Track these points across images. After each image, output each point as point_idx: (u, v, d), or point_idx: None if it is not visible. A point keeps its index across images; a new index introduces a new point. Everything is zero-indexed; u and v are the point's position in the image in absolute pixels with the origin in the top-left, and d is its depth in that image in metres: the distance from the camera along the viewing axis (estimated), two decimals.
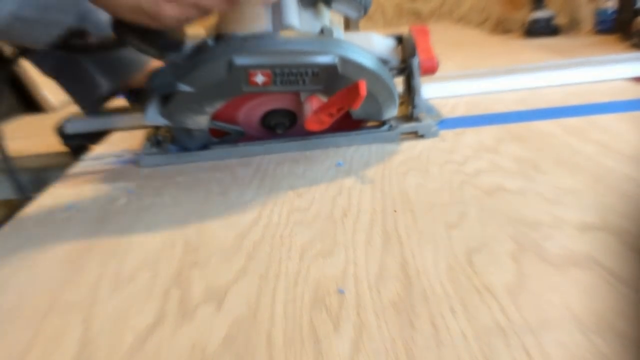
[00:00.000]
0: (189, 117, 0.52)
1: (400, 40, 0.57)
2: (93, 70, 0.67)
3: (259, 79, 0.48)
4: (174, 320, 0.29)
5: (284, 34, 0.49)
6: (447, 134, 0.56)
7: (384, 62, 0.53)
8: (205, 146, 0.56)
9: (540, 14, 1.30)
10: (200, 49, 0.49)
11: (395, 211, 0.40)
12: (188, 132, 0.54)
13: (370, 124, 0.58)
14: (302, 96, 0.52)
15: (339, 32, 0.53)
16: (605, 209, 0.36)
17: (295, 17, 0.49)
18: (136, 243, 0.39)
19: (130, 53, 0.69)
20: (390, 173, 0.47)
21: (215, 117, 0.53)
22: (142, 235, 0.40)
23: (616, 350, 0.24)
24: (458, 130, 0.57)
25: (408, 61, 0.56)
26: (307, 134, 0.56)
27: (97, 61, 0.67)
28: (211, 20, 0.53)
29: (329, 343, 0.26)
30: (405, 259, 0.33)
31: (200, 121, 0.53)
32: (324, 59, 0.48)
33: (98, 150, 0.65)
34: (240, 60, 0.47)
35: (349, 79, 0.48)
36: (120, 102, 0.77)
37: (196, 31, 0.52)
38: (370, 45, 0.54)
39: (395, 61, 0.56)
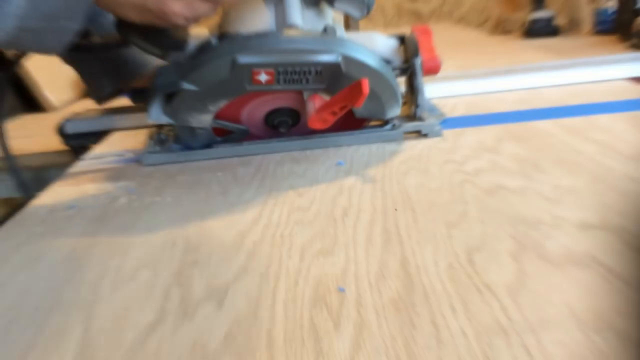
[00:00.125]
0: (193, 116, 0.52)
1: (402, 40, 0.57)
2: (100, 70, 0.67)
3: (263, 77, 0.48)
4: (175, 318, 0.29)
5: (288, 32, 0.49)
6: (447, 133, 0.56)
7: (386, 61, 0.53)
8: (208, 145, 0.56)
9: (540, 15, 1.30)
10: (204, 48, 0.49)
11: (395, 210, 0.40)
12: (191, 130, 0.54)
13: (372, 123, 0.58)
14: (305, 95, 0.52)
15: (342, 31, 0.53)
16: (605, 208, 0.37)
17: (299, 16, 0.50)
18: (137, 242, 0.39)
19: (134, 56, 0.69)
20: (390, 172, 0.47)
21: (218, 116, 0.54)
22: (142, 234, 0.40)
23: (616, 349, 0.24)
24: (458, 130, 0.57)
25: (411, 61, 0.56)
26: (310, 133, 0.56)
27: (101, 63, 0.67)
28: (214, 20, 0.53)
29: (329, 341, 0.26)
30: (406, 257, 0.33)
31: (204, 120, 0.53)
32: (327, 58, 0.48)
33: (98, 149, 0.65)
34: (244, 59, 0.47)
35: (352, 78, 0.48)
36: (120, 102, 0.77)
37: (199, 31, 0.52)
38: (373, 45, 0.55)
39: (397, 61, 0.56)
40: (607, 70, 0.73)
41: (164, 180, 0.51)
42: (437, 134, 0.56)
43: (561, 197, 0.39)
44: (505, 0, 1.65)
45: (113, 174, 0.55)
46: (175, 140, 0.57)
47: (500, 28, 1.62)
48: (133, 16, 0.46)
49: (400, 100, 0.54)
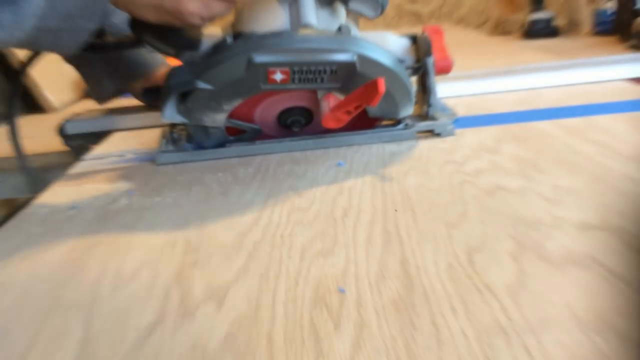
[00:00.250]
0: (207, 115, 0.52)
1: (414, 39, 0.57)
2: (101, 71, 0.68)
3: (278, 76, 0.48)
4: (175, 319, 0.29)
5: (303, 32, 0.49)
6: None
7: (399, 61, 0.53)
8: (221, 144, 0.56)
9: (539, 15, 1.30)
10: (219, 47, 0.49)
11: (395, 211, 0.40)
12: (205, 130, 0.54)
13: (383, 122, 0.58)
14: (319, 94, 0.52)
15: (356, 30, 0.53)
16: (605, 209, 0.37)
17: (313, 15, 0.50)
18: (137, 242, 0.39)
19: (136, 56, 0.69)
20: (390, 173, 0.47)
21: (232, 115, 0.54)
22: (142, 234, 0.40)
23: (617, 349, 0.24)
24: (458, 130, 0.57)
25: (423, 60, 0.56)
26: (322, 132, 0.56)
27: (104, 63, 0.67)
28: (227, 20, 0.53)
29: (329, 342, 0.26)
30: (406, 258, 0.33)
31: (218, 119, 0.53)
32: (342, 57, 0.48)
33: (99, 150, 0.65)
34: (260, 58, 0.47)
35: (367, 77, 0.48)
36: (120, 102, 0.77)
37: (212, 30, 0.52)
38: (385, 45, 0.54)
39: (410, 60, 0.56)
40: (606, 71, 0.73)
41: (164, 180, 0.51)
42: (450, 133, 0.56)
43: (561, 197, 0.39)
44: (505, 1, 1.65)
45: (113, 175, 0.55)
46: (187, 140, 0.57)
47: (500, 29, 1.62)
48: (149, 16, 0.46)
49: (414, 100, 0.54)
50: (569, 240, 0.33)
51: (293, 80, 0.49)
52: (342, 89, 0.51)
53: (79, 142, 0.73)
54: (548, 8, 1.34)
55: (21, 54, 1.03)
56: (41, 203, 0.49)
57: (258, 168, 0.52)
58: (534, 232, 0.34)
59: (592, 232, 0.34)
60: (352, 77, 0.49)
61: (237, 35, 0.49)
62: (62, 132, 0.72)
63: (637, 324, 0.25)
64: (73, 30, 0.43)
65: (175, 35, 0.50)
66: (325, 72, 0.49)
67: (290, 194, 0.45)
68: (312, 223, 0.39)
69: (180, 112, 0.52)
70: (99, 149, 0.65)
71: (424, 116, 0.58)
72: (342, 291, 0.30)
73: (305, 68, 0.48)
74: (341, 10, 0.53)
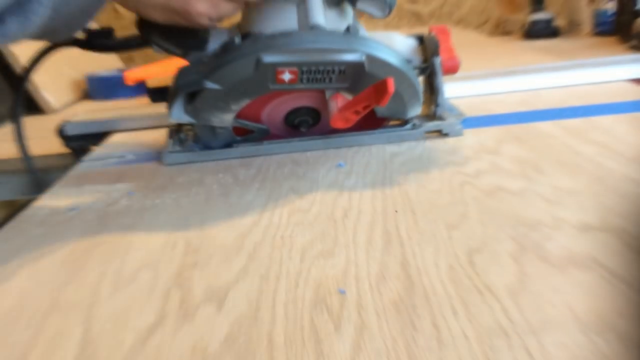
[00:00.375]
0: (215, 115, 0.52)
1: (421, 40, 0.57)
2: None
3: (286, 76, 0.48)
4: (175, 320, 0.29)
5: (312, 32, 0.49)
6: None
7: (407, 61, 0.53)
8: (228, 144, 0.56)
9: (539, 16, 1.30)
10: (228, 47, 0.49)
11: (396, 212, 0.40)
12: (212, 130, 0.54)
13: (390, 123, 0.58)
14: (327, 94, 0.52)
15: (364, 30, 0.53)
16: (606, 210, 0.36)
17: (322, 16, 0.50)
18: (137, 243, 0.39)
19: None
20: (391, 174, 0.47)
21: (239, 116, 0.54)
22: (143, 235, 0.40)
23: (618, 350, 0.24)
24: None
25: (430, 60, 0.56)
26: (329, 132, 0.56)
27: None
28: (234, 20, 0.53)
29: (330, 343, 0.26)
30: (406, 259, 0.33)
31: (226, 119, 0.53)
32: (351, 57, 0.48)
33: (99, 151, 0.65)
34: (269, 58, 0.47)
35: (375, 77, 0.48)
36: (120, 103, 0.77)
37: (219, 30, 0.52)
38: (392, 45, 0.54)
39: (417, 61, 0.56)
40: (607, 72, 0.73)
41: (164, 182, 0.51)
42: (458, 133, 0.56)
43: (561, 198, 0.39)
44: (505, 1, 1.65)
45: (113, 176, 0.55)
46: (194, 140, 0.57)
47: (500, 29, 1.62)
48: (157, 16, 0.46)
49: (421, 100, 0.54)
50: (569, 241, 0.33)
51: (301, 81, 0.49)
52: (350, 89, 0.51)
53: (79, 143, 0.73)
54: (548, 8, 1.34)
55: (24, 59, 1.03)
56: (41, 204, 0.49)
57: (258, 169, 0.52)
58: (535, 233, 0.34)
59: (593, 233, 0.34)
60: (361, 77, 0.49)
61: (245, 35, 0.49)
62: (61, 133, 0.72)
63: (637, 324, 0.25)
64: (71, 26, 0.43)
65: (182, 35, 0.50)
66: (333, 72, 0.49)
67: (291, 195, 0.45)
68: (312, 224, 0.39)
69: (188, 112, 0.52)
70: (99, 150, 0.65)
71: (431, 116, 0.58)
72: (342, 292, 0.30)
73: (313, 68, 0.48)
74: (349, 10, 0.53)
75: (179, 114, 0.52)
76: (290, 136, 0.57)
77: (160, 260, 0.36)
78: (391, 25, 1.81)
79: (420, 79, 0.57)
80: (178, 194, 0.48)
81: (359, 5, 0.50)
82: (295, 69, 0.48)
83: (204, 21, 0.46)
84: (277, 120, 0.56)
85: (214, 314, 0.29)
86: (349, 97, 0.51)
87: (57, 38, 0.45)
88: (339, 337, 0.26)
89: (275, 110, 0.55)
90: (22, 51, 1.01)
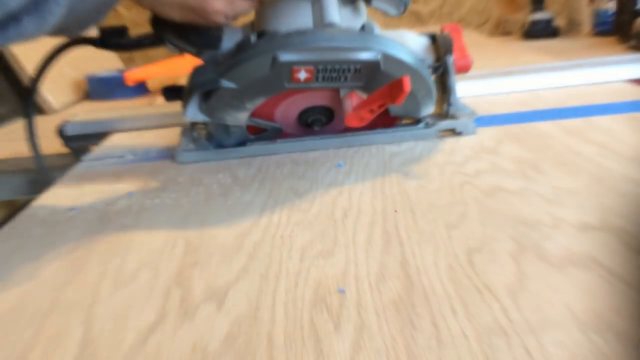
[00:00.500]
0: (230, 114, 0.53)
1: (433, 38, 0.57)
2: None
3: (302, 75, 0.48)
4: (175, 319, 0.29)
5: (328, 30, 0.49)
6: (448, 134, 0.56)
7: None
8: (241, 143, 0.56)
9: (539, 16, 1.31)
10: (244, 45, 0.49)
11: (395, 211, 0.40)
12: (226, 128, 0.55)
13: (401, 122, 0.58)
14: (342, 93, 0.52)
15: (378, 29, 0.53)
16: (605, 209, 0.37)
17: (337, 14, 0.50)
18: (137, 243, 0.39)
19: None
20: (390, 174, 0.47)
21: (253, 114, 0.54)
22: (143, 235, 0.40)
23: (616, 349, 0.24)
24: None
25: (443, 59, 0.56)
26: (342, 131, 0.56)
27: None
28: (248, 19, 0.53)
29: (329, 342, 0.26)
30: (406, 258, 0.33)
31: (240, 118, 0.53)
32: (367, 56, 0.48)
33: (98, 151, 0.65)
34: (285, 57, 0.47)
35: (390, 76, 0.48)
36: (120, 103, 0.77)
37: (232, 29, 0.52)
38: (405, 43, 0.54)
39: (429, 59, 0.56)
40: (606, 72, 0.73)
41: (164, 181, 0.51)
42: (472, 132, 0.56)
43: (561, 198, 0.39)
44: (505, 1, 1.65)
45: (113, 176, 0.55)
46: (207, 139, 0.57)
47: (500, 29, 1.62)
48: (174, 14, 0.46)
49: (435, 99, 0.54)
50: (568, 240, 0.33)
51: (317, 79, 0.49)
52: (365, 88, 0.51)
53: (79, 143, 0.73)
54: (548, 8, 1.34)
55: (24, 59, 1.03)
56: (41, 204, 0.49)
57: (258, 169, 0.52)
58: (534, 233, 0.34)
59: (592, 233, 0.34)
60: (376, 76, 0.49)
61: (261, 34, 0.49)
62: (62, 133, 0.72)
63: (636, 324, 0.25)
64: (83, 25, 0.44)
65: (196, 33, 0.50)
66: (349, 70, 0.49)
67: (290, 195, 0.45)
68: (312, 224, 0.39)
69: (203, 110, 0.52)
70: (99, 150, 0.65)
71: (443, 115, 0.58)
72: (342, 292, 0.30)
73: (329, 67, 0.48)
74: (363, 8, 0.53)
75: (193, 113, 0.52)
76: (303, 135, 0.57)
77: (160, 260, 0.36)
78: (391, 25, 1.81)
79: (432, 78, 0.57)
80: (178, 193, 0.48)
81: (374, 3, 0.50)
82: (311, 67, 0.48)
83: (220, 19, 0.46)
84: (290, 119, 0.56)
85: (214, 313, 0.29)
86: (363, 95, 0.51)
87: (68, 35, 0.45)
88: (339, 337, 0.27)
89: (289, 109, 0.55)
90: (21, 51, 1.01)
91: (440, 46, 0.55)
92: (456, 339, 0.25)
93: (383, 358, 0.25)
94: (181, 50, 0.52)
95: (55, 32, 0.40)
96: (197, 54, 0.52)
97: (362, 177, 0.47)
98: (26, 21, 0.35)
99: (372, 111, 0.48)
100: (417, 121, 0.57)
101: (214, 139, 0.56)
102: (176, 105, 0.56)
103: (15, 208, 0.48)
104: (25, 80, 1.08)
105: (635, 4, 1.08)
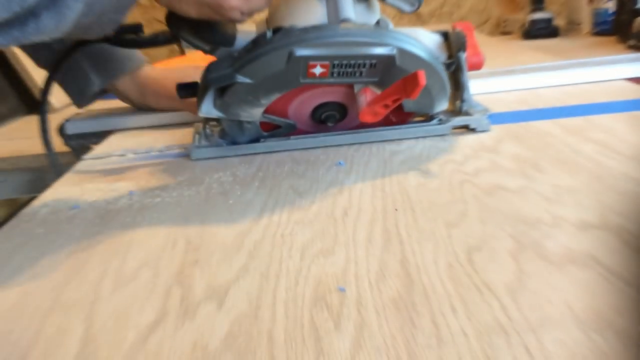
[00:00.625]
0: (244, 110, 0.53)
1: (446, 35, 0.57)
2: (87, 66, 0.68)
3: (317, 70, 0.49)
4: (176, 318, 0.29)
5: (343, 25, 0.49)
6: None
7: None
8: (255, 139, 0.56)
9: (539, 16, 1.31)
10: (259, 41, 0.49)
11: (395, 210, 0.40)
12: (239, 125, 0.55)
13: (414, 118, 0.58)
14: (356, 88, 0.52)
15: (392, 25, 0.54)
16: (605, 208, 0.37)
17: (351, 10, 0.50)
18: (138, 241, 0.39)
19: (125, 52, 0.69)
20: (390, 172, 0.47)
21: (266, 111, 0.54)
22: (143, 233, 0.40)
23: (616, 348, 0.24)
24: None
25: (456, 56, 0.56)
26: (355, 128, 0.56)
27: (91, 57, 0.67)
28: (262, 16, 0.53)
29: (329, 341, 0.26)
30: (406, 257, 0.33)
31: (255, 114, 0.53)
32: (382, 51, 0.48)
33: (99, 149, 0.65)
34: (301, 52, 0.47)
35: (405, 71, 0.48)
36: (120, 103, 0.77)
37: (247, 26, 0.52)
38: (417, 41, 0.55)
39: (442, 56, 0.56)
40: (606, 71, 0.74)
41: (165, 180, 0.51)
42: (486, 128, 0.56)
43: (561, 196, 0.39)
44: (505, 1, 1.65)
45: (114, 175, 0.55)
46: (220, 135, 0.57)
47: (500, 29, 1.62)
48: (191, 11, 0.46)
49: (449, 95, 0.54)
50: (568, 239, 0.33)
51: (332, 74, 0.49)
52: (380, 83, 0.51)
53: (79, 142, 0.73)
54: (548, 8, 1.34)
55: (30, 68, 1.03)
56: (42, 203, 0.49)
57: (259, 167, 0.52)
58: (534, 231, 0.34)
59: (592, 231, 0.34)
60: (391, 71, 0.49)
61: (276, 30, 0.50)
62: (62, 132, 0.72)
63: (635, 322, 0.25)
64: (104, 23, 0.44)
65: (211, 30, 0.50)
66: (364, 65, 0.49)
67: (291, 194, 0.45)
68: (312, 222, 0.39)
69: (217, 107, 0.52)
70: (99, 149, 0.65)
71: (456, 112, 0.58)
72: (342, 290, 0.30)
73: (345, 62, 0.48)
74: (376, 5, 0.54)
75: (208, 109, 0.52)
76: (316, 131, 0.57)
77: (160, 259, 0.36)
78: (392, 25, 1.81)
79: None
80: (178, 192, 0.48)
81: (389, 0, 0.51)
82: (327, 62, 0.48)
83: (236, 15, 0.47)
84: (303, 116, 0.56)
85: (214, 312, 0.30)
86: (377, 91, 0.51)
87: (89, 36, 0.45)
88: (339, 335, 0.27)
89: (302, 106, 0.55)
90: (20, 51, 1.01)
91: (453, 43, 0.55)
92: (456, 337, 0.25)
93: (383, 356, 0.25)
94: (195, 48, 0.52)
95: (74, 31, 0.40)
96: (212, 51, 0.52)
97: (363, 175, 0.47)
98: (44, 16, 0.35)
99: (386, 106, 0.48)
100: (429, 118, 0.57)
101: (227, 136, 0.56)
102: None
103: (16, 207, 0.49)
104: (26, 80, 1.08)
105: (634, 3, 1.08)
